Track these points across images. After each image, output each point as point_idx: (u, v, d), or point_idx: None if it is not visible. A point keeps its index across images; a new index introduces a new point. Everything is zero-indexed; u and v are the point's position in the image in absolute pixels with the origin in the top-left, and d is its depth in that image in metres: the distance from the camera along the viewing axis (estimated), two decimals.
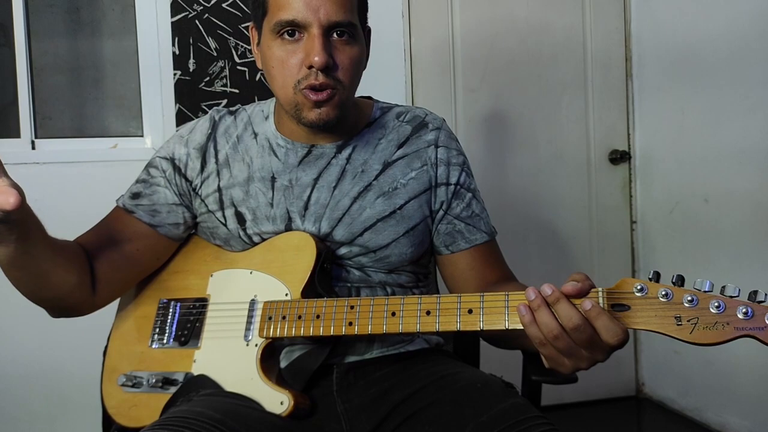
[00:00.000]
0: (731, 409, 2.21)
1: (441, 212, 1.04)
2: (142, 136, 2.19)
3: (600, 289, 0.73)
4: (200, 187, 1.04)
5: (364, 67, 1.01)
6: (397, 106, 1.10)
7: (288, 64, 0.91)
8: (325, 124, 0.94)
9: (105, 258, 0.99)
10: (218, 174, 1.03)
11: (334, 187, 1.00)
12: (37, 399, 2.03)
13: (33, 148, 2.08)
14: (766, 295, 0.66)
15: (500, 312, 0.77)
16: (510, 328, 0.76)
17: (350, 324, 0.85)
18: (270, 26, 0.93)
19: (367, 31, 1.01)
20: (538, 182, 2.50)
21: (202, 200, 1.04)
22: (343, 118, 0.97)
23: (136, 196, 1.05)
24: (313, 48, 0.89)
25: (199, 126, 1.07)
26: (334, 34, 0.91)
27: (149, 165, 1.07)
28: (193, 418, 0.81)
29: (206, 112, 2.13)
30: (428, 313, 0.81)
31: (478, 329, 0.78)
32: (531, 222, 2.50)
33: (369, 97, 1.13)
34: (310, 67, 0.90)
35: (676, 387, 2.48)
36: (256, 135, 1.05)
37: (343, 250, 0.99)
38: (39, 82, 2.14)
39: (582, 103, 2.54)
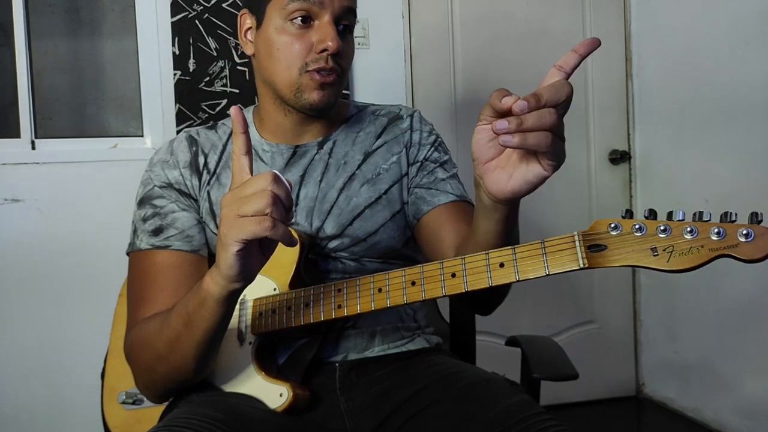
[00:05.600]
0: (731, 409, 2.21)
1: (408, 189, 1.06)
2: (142, 136, 2.19)
3: (575, 232, 0.72)
4: (198, 200, 1.03)
5: None
6: (372, 105, 1.14)
7: (297, 46, 0.94)
8: (325, 106, 0.97)
9: None
10: (209, 184, 1.03)
11: (320, 181, 1.02)
12: (37, 399, 2.03)
13: (33, 148, 2.08)
14: (736, 215, 0.65)
15: (482, 271, 0.76)
16: (494, 285, 0.75)
17: (339, 306, 0.85)
18: (279, 10, 0.95)
19: None
20: None
21: (198, 213, 1.03)
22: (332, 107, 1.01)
23: (158, 231, 0.98)
24: (328, 34, 0.93)
25: (177, 147, 1.05)
26: (340, 26, 0.96)
27: (148, 199, 1.01)
28: (196, 418, 0.80)
29: (206, 112, 2.16)
30: (413, 283, 0.80)
31: (463, 291, 0.77)
32: (530, 222, 2.50)
33: (345, 97, 1.14)
34: (322, 51, 0.93)
35: (676, 387, 2.48)
36: None
37: (334, 243, 1.00)
38: (39, 82, 2.14)
39: (582, 103, 2.54)
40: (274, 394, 0.89)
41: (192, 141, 1.05)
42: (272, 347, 0.96)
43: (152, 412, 0.97)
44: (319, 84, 0.95)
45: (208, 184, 1.02)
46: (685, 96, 2.32)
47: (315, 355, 0.95)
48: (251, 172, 0.75)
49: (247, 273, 0.74)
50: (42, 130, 2.13)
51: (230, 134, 1.06)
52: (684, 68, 2.32)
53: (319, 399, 0.94)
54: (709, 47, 2.20)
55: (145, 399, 0.97)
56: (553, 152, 0.69)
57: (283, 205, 0.70)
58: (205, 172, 1.03)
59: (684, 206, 2.52)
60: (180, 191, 1.01)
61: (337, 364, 0.97)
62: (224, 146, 1.05)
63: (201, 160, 1.03)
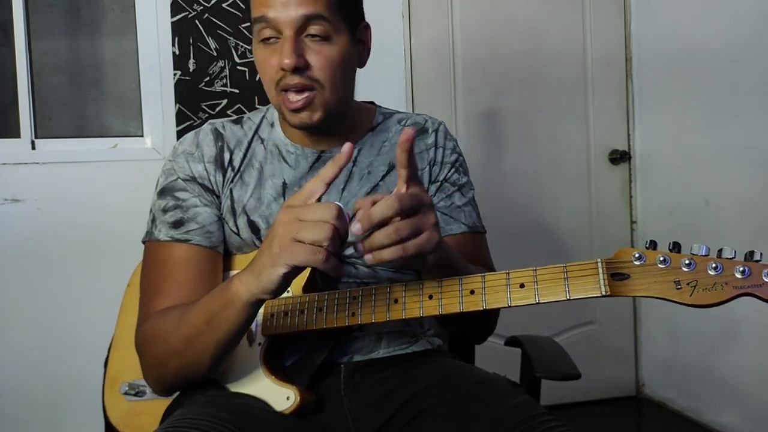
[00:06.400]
0: (731, 409, 2.21)
1: None
2: (142, 136, 2.18)
3: (599, 259, 0.73)
4: (221, 197, 1.02)
5: (358, 65, 1.00)
6: (398, 112, 1.12)
7: (267, 66, 0.93)
8: (309, 127, 0.95)
9: None
10: (232, 181, 1.02)
11: (343, 189, 1.01)
12: (37, 399, 2.03)
13: (33, 148, 2.08)
14: (761, 254, 0.66)
15: (502, 290, 0.77)
16: (513, 305, 0.76)
17: (353, 314, 0.84)
18: (255, 30, 0.94)
19: (363, 27, 1.00)
20: (538, 183, 2.50)
21: (219, 210, 1.02)
22: (337, 118, 0.98)
23: (178, 224, 0.97)
24: (283, 50, 0.89)
25: (203, 140, 1.03)
26: (309, 36, 0.91)
27: (170, 190, 1.00)
28: (204, 419, 0.80)
29: (206, 112, 2.16)
30: (430, 297, 0.80)
31: (481, 308, 0.78)
32: (531, 222, 2.50)
33: (371, 102, 1.13)
34: (283, 68, 0.90)
35: (676, 387, 2.48)
36: (263, 140, 1.04)
37: (351, 249, 0.99)
38: (39, 82, 2.14)
39: (582, 103, 2.54)
40: (281, 396, 0.89)
41: (218, 135, 1.03)
42: (280, 349, 0.95)
43: (154, 405, 0.96)
44: (290, 109, 0.93)
45: (232, 181, 1.01)
46: (685, 96, 2.32)
47: None
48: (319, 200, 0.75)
49: (283, 288, 0.76)
50: (42, 130, 2.13)
51: (255, 130, 1.05)
52: (684, 68, 2.32)
53: (324, 401, 0.94)
54: (709, 47, 2.20)
55: (147, 391, 0.97)
56: (420, 251, 0.74)
57: (340, 239, 0.71)
58: (229, 169, 1.02)
59: (684, 207, 2.52)
60: (203, 186, 1.00)
61: (341, 366, 0.97)
62: (249, 143, 1.04)
63: (226, 156, 1.02)
